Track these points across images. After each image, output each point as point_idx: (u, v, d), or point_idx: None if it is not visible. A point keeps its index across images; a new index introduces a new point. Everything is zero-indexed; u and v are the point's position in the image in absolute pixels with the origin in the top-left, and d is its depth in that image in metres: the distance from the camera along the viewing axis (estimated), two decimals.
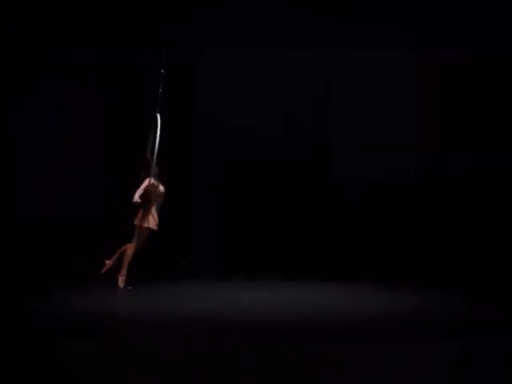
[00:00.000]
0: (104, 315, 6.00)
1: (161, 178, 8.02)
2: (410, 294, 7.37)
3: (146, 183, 7.80)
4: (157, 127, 7.90)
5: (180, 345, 4.55)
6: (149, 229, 7.81)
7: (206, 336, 4.99)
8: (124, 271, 7.77)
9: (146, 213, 7.84)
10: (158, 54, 10.81)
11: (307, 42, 7.32)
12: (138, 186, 7.81)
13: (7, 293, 7.33)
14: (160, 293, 7.66)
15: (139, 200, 7.70)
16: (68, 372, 4.00)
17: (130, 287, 7.89)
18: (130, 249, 7.83)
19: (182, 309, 6.37)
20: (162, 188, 7.97)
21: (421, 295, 7.26)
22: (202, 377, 3.96)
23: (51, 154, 10.11)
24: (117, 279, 7.74)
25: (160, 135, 7.84)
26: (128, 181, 8.85)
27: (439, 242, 9.33)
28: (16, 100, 10.08)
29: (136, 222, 7.80)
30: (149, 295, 7.47)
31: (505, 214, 8.95)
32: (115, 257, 7.90)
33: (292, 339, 4.88)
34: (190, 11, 6.88)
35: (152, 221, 7.80)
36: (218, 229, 10.53)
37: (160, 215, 7.91)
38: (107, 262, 7.88)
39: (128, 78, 10.93)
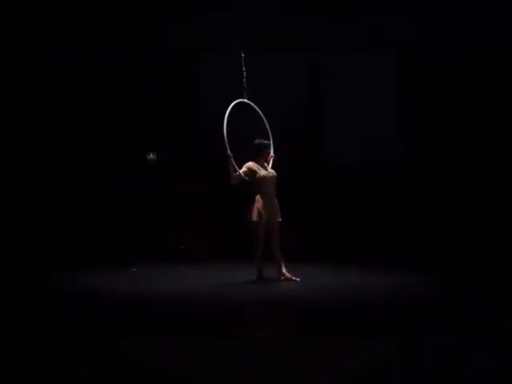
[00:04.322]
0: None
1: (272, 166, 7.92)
2: (408, 284, 7.44)
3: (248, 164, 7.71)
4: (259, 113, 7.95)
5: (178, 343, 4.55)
6: (256, 223, 7.65)
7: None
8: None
9: (253, 206, 7.71)
10: (160, 53, 10.88)
11: (307, 41, 7.31)
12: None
13: None
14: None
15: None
16: None
17: (133, 269, 8.14)
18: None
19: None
20: (263, 173, 7.75)
21: (420, 285, 7.34)
22: (200, 376, 3.96)
23: None
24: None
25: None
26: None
27: (435, 231, 9.48)
28: None
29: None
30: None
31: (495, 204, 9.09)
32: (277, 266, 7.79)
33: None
34: (189, 11, 6.87)
35: (256, 214, 7.64)
36: (219, 218, 10.82)
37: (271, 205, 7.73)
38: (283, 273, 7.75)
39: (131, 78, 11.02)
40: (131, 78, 11.09)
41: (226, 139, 7.51)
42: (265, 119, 8.05)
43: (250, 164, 7.76)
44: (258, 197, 7.70)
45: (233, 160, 7.55)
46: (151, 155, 11.40)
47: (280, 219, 7.81)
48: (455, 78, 9.51)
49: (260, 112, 8.03)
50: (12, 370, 4.00)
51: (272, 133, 8.13)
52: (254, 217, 7.66)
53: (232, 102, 7.79)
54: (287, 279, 7.69)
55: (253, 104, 7.97)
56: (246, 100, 7.91)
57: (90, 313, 5.95)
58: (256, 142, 7.87)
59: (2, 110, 10.35)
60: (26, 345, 4.38)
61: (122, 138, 11.09)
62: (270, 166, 7.94)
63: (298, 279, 7.67)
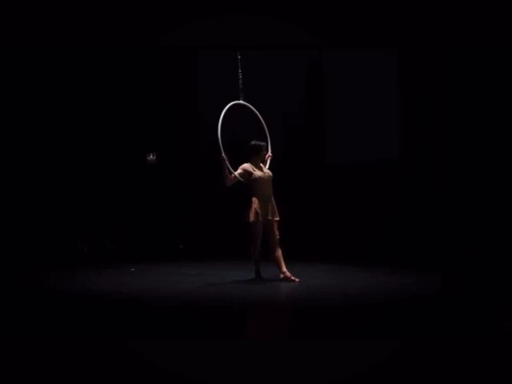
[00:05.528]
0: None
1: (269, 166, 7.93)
2: (408, 284, 7.45)
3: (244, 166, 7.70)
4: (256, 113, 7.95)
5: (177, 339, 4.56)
6: (253, 223, 7.66)
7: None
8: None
9: (250, 207, 7.71)
10: (160, 54, 10.88)
11: (309, 42, 7.31)
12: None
13: None
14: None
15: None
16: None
17: (132, 269, 8.55)
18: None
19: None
20: (258, 174, 7.74)
21: (420, 285, 7.35)
22: (200, 376, 3.95)
23: None
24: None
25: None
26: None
27: (435, 231, 9.53)
28: None
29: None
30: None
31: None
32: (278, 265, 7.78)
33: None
34: (189, 11, 6.87)
35: (253, 214, 7.64)
36: (219, 218, 10.83)
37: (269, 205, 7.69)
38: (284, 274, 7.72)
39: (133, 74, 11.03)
40: (131, 78, 11.09)
41: (220, 142, 7.51)
42: (262, 119, 8.02)
43: (246, 165, 7.77)
44: (254, 198, 7.70)
45: (227, 162, 7.54)
46: (151, 156, 11.41)
47: (278, 218, 7.81)
48: (455, 78, 9.53)
49: (257, 112, 8.00)
50: (12, 370, 3.99)
51: (272, 131, 8.12)
52: (252, 217, 7.66)
53: (228, 103, 7.79)
54: (287, 278, 7.68)
55: (249, 105, 7.94)
56: (241, 101, 7.89)
57: (89, 312, 5.95)
58: (252, 143, 7.87)
59: (2, 110, 10.35)
60: (26, 345, 4.38)
61: (123, 139, 11.10)
62: (268, 165, 7.93)
63: (298, 280, 7.66)
